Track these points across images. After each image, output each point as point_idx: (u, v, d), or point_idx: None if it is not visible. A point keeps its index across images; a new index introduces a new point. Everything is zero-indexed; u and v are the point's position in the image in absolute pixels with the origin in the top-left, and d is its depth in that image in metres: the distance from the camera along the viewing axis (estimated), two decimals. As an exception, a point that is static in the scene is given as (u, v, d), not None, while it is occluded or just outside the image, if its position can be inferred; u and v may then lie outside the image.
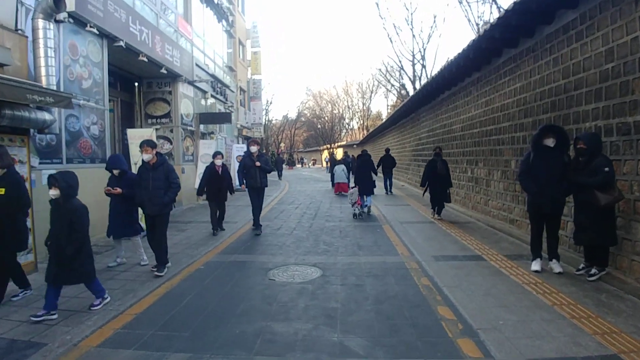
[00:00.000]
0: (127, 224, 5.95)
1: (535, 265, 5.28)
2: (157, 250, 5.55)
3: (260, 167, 7.93)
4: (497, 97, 8.64)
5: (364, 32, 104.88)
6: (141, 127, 12.23)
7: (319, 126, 61.74)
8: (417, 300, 4.35)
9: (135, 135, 8.20)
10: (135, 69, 11.27)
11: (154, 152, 5.53)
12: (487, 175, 9.16)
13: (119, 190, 5.69)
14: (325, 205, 12.65)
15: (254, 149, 8.10)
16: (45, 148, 6.72)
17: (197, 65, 13.45)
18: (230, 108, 18.07)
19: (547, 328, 3.59)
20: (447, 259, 5.93)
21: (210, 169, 8.36)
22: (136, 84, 12.28)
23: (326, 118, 61.07)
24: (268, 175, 8.38)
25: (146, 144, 5.54)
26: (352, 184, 11.58)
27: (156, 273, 5.36)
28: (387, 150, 17.49)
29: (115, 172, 5.91)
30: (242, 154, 17.55)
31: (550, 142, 5.09)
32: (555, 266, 5.22)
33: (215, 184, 8.25)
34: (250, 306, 4.29)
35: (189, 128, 13.03)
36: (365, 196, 10.48)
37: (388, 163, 16.32)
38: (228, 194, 8.73)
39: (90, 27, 7.69)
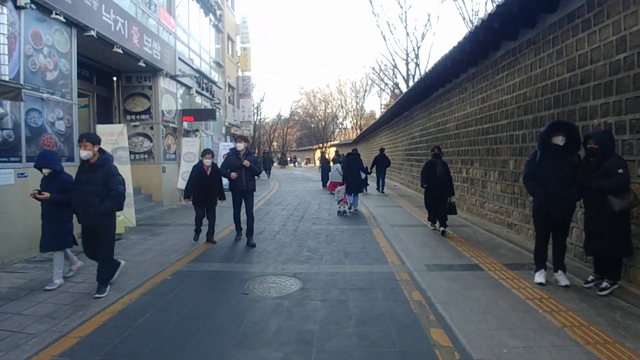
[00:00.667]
0: (59, 235, 4.88)
1: (539, 277, 4.75)
2: (100, 267, 4.70)
3: (250, 167, 6.87)
4: (495, 93, 8.13)
5: (357, 30, 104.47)
6: (119, 123, 11.61)
7: (312, 125, 61.14)
8: (407, 320, 3.79)
9: (105, 132, 7.58)
10: (112, 62, 10.63)
11: (96, 148, 4.55)
12: (483, 176, 8.64)
13: (46, 195, 4.65)
14: (314, 206, 12.09)
15: (240, 146, 6.99)
16: (1, 145, 6.10)
17: (180, 59, 12.81)
18: (217, 105, 17.43)
19: (559, 357, 3.05)
20: (442, 268, 5.39)
21: (198, 170, 7.23)
22: (114, 78, 11.63)
23: (319, 117, 60.49)
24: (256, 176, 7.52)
25: (85, 138, 4.53)
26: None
27: (96, 295, 4.50)
28: (382, 150, 17.33)
29: (45, 171, 4.84)
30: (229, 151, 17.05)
31: (559, 140, 4.56)
32: (562, 278, 4.70)
33: (204, 186, 7.14)
34: (215, 328, 3.71)
35: (171, 125, 12.39)
36: (353, 195, 10.76)
37: (382, 163, 16.36)
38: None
39: (57, 14, 7.05)
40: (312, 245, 6.89)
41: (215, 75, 17.58)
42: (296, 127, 66.61)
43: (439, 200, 7.72)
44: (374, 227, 8.43)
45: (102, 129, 7.70)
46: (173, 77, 12.43)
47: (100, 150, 4.59)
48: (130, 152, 11.48)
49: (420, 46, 36.53)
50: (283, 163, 53.21)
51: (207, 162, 7.23)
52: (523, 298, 4.28)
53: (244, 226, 7.29)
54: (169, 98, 12.34)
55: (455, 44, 8.53)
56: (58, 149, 7.23)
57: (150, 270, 5.47)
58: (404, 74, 30.03)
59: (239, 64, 23.16)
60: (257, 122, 47.28)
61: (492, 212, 8.19)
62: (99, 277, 4.67)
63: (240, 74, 23.51)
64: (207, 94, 15.95)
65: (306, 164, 61.99)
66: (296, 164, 57.48)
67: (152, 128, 11.64)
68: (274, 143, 64.04)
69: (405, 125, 17.74)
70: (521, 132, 7.01)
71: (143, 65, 10.37)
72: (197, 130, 14.45)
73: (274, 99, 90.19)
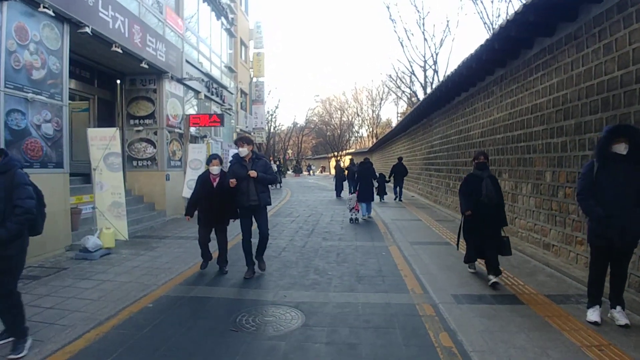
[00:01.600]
0: None
1: (594, 315, 3.87)
2: (3, 314, 3.40)
3: (257, 177, 5.31)
4: (527, 97, 7.26)
5: (373, 37, 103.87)
6: (122, 128, 11.05)
7: (328, 133, 60.49)
8: (434, 377, 2.97)
9: (97, 136, 6.96)
10: (115, 63, 10.09)
11: None
12: (514, 189, 7.74)
13: None
14: (326, 218, 11.29)
15: (244, 151, 5.43)
16: (-25, 149, 5.48)
17: (187, 62, 12.23)
18: (228, 111, 16.84)
19: None
20: (472, 299, 4.52)
21: (203, 180, 5.83)
22: (118, 81, 11.08)
23: (335, 125, 59.87)
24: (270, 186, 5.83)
25: None
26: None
27: (10, 356, 3.23)
28: (400, 159, 17.37)
29: None
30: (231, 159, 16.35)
31: (621, 148, 3.69)
32: (620, 316, 3.81)
33: (210, 201, 5.70)
34: (190, 381, 2.95)
35: (176, 130, 11.78)
36: (366, 204, 11.01)
37: (400, 171, 16.64)
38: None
39: (45, 7, 6.48)
40: (320, 266, 6.08)
41: (226, 81, 17.02)
42: (311, 135, 66.13)
43: (487, 234, 5.17)
44: (390, 245, 7.59)
45: (93, 133, 7.07)
46: (180, 81, 11.85)
47: (3, 153, 3.37)
48: (133, 159, 10.94)
49: (439, 52, 35.58)
50: (297, 171, 52.61)
51: (215, 169, 5.79)
52: (578, 345, 3.40)
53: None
54: (174, 102, 11.74)
55: (482, 43, 7.72)
56: (44, 154, 6.61)
57: (131, 295, 4.74)
58: (422, 81, 29.25)
59: (252, 70, 22.63)
60: (271, 130, 46.89)
61: (524, 229, 7.28)
62: (7, 329, 3.44)
63: (253, 80, 22.96)
64: (217, 99, 15.37)
65: (321, 172, 61.23)
66: (311, 172, 56.58)
67: (155, 133, 11.03)
68: (289, 151, 63.58)
69: (424, 133, 16.86)
70: (560, 139, 6.13)
71: (146, 66, 9.78)
72: (205, 136, 13.83)
73: (289, 106, 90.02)
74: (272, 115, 40.19)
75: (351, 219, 10.46)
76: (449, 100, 12.52)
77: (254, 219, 5.62)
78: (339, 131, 59.18)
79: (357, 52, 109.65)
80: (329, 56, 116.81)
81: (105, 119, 10.77)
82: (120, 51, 8.56)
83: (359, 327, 3.82)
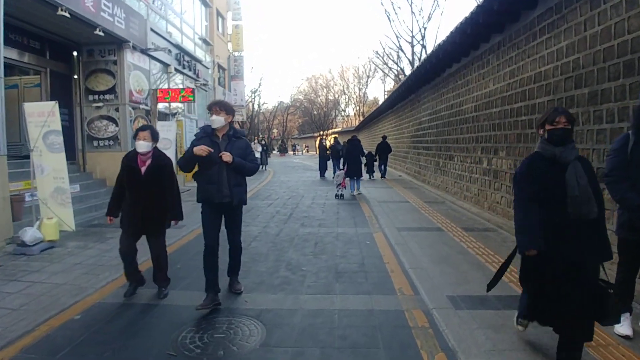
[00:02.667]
0: None
1: (625, 327, 3.11)
2: None
3: (234, 163, 3.68)
4: (529, 64, 6.43)
5: (359, 11, 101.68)
6: (81, 105, 9.98)
7: (315, 112, 59.26)
8: None
9: (34, 112, 5.94)
10: (68, 32, 8.95)
11: None
12: (512, 168, 6.98)
13: None
14: (306, 201, 10.46)
15: (218, 121, 3.74)
16: None
17: (153, 31, 11.08)
18: (203, 87, 15.73)
19: None
20: (473, 303, 3.74)
21: (128, 164, 3.98)
22: (75, 53, 9.94)
23: (321, 103, 58.62)
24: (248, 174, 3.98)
25: None
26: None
27: None
28: (384, 137, 17.46)
29: None
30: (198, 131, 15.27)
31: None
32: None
33: (136, 194, 3.94)
34: None
35: (142, 107, 10.72)
36: (355, 179, 11.32)
37: (384, 150, 16.95)
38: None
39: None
40: (294, 259, 5.26)
41: (201, 54, 15.85)
42: (297, 114, 64.85)
43: (573, 282, 2.56)
44: (375, 231, 6.80)
45: (30, 108, 6.04)
46: (144, 51, 10.74)
47: None
48: (93, 138, 9.93)
49: (427, 27, 34.50)
50: (283, 151, 51.63)
51: (142, 146, 3.88)
52: (611, 368, 2.66)
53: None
54: (139, 75, 10.65)
55: (479, 3, 6.83)
56: (-31, 133, 5.61)
57: (59, 302, 3.87)
58: (409, 57, 28.29)
59: (230, 43, 21.34)
60: (255, 109, 45.56)
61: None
62: None
63: (232, 54, 21.68)
64: (191, 74, 14.26)
65: (307, 151, 60.23)
66: (296, 152, 55.50)
67: (117, 110, 9.97)
68: (274, 130, 62.36)
69: (412, 110, 16.01)
70: (570, 111, 5.32)
71: (101, 34, 8.65)
72: (176, 113, 12.77)
73: (274, 85, 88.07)
74: (255, 92, 38.85)
75: (336, 195, 10.71)
76: (438, 73, 11.66)
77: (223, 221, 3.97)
78: (325, 109, 58.02)
79: (343, 30, 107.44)
80: (314, 37, 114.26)
81: (61, 95, 9.64)
82: (67, 15, 7.44)
83: (333, 347, 3.00)
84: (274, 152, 53.19)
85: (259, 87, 40.22)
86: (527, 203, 2.65)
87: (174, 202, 4.08)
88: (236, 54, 21.87)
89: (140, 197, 3.93)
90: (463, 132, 9.57)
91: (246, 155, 3.88)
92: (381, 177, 16.36)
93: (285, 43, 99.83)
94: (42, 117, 5.87)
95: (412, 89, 15.04)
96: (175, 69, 12.82)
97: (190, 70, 14.14)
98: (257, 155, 19.66)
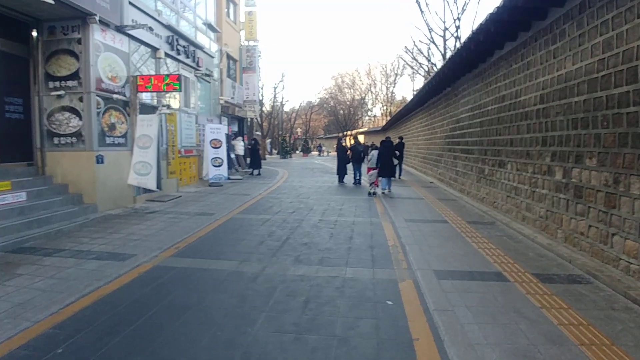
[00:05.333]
0: None
1: None
2: None
3: None
4: (636, 28, 4.08)
5: (390, 8, 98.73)
6: (39, 93, 8.12)
7: (341, 112, 56.84)
8: None
9: None
10: (20, 3, 7.14)
11: None
12: (609, 184, 4.61)
13: None
14: (314, 216, 8.25)
15: None
16: None
17: (133, 5, 9.14)
18: (205, 77, 13.78)
19: None
20: None
21: None
22: (35, 32, 8.10)
23: (347, 102, 56.30)
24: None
25: None
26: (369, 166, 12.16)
27: None
28: (401, 138, 17.97)
29: None
30: (218, 137, 13.37)
31: None
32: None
33: None
34: None
35: (115, 97, 8.78)
36: (387, 178, 11.78)
37: (399, 149, 15.73)
38: None
39: None
40: (256, 349, 3.08)
41: (204, 40, 13.91)
42: (323, 113, 62.73)
43: None
44: (402, 278, 4.55)
45: None
46: (120, 30, 8.80)
47: None
48: (54, 135, 8.05)
49: (461, 18, 31.74)
50: (306, 151, 49.64)
51: None
52: None
53: None
54: (113, 59, 8.72)
55: None
56: None
57: None
58: (442, 49, 25.73)
59: (243, 32, 19.34)
60: (276, 106, 43.71)
61: (633, 256, 4.18)
62: None
63: (244, 44, 19.66)
64: (189, 61, 12.31)
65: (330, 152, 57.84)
66: (322, 152, 52.02)
67: (81, 100, 8.06)
68: (298, 130, 60.44)
69: (447, 106, 13.59)
70: None
71: (51, 2, 6.75)
72: (165, 105, 10.79)
73: (299, 84, 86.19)
74: (276, 89, 36.86)
75: (369, 193, 11.38)
76: (483, 59, 9.29)
77: None
78: (351, 109, 55.67)
79: (371, 26, 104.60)
80: (342, 31, 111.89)
81: (15, 81, 7.87)
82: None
83: None
84: (297, 152, 51.31)
85: (280, 82, 38.03)
86: None
87: None
88: (249, 43, 19.83)
89: None
90: (521, 131, 7.19)
91: None
92: (398, 177, 16.09)
93: (311, 40, 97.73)
94: None
95: (447, 81, 12.64)
96: (167, 54, 10.87)
97: (188, 57, 12.19)
98: (240, 152, 17.44)
